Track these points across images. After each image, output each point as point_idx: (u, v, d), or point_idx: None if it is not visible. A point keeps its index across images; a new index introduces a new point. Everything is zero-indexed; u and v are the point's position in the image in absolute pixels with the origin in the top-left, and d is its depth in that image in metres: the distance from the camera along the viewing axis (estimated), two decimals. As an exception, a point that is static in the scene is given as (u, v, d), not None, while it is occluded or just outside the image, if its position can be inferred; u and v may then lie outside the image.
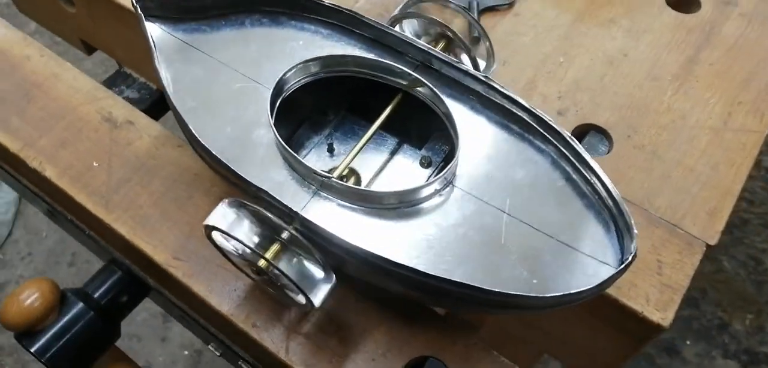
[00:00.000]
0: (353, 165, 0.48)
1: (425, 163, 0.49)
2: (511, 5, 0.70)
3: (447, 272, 0.38)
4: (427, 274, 0.37)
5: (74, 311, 0.52)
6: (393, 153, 0.50)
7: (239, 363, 0.48)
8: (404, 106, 0.49)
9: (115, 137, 0.54)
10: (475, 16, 0.69)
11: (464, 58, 0.53)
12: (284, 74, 0.46)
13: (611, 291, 0.47)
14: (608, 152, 0.58)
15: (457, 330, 0.45)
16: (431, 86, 0.47)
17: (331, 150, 0.50)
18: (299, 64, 0.46)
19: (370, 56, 0.48)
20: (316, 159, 0.49)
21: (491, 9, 0.70)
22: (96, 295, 0.54)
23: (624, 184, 0.55)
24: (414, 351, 0.43)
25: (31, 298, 0.51)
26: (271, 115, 0.44)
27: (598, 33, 0.68)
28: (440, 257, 0.40)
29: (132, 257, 0.49)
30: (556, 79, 0.63)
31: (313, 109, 0.52)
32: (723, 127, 0.59)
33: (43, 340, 0.51)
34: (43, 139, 0.53)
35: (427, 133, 0.51)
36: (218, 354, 0.51)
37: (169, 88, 0.47)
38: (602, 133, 0.59)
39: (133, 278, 0.54)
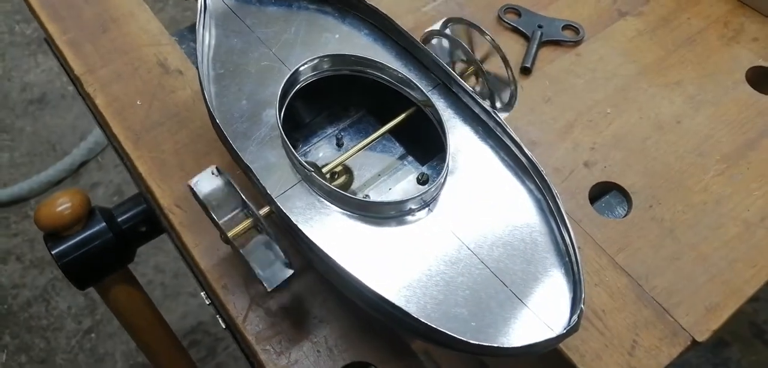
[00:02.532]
0: (353, 164, 0.50)
1: (422, 180, 0.50)
2: (576, 43, 0.69)
3: (389, 290, 0.40)
4: (364, 285, 0.39)
5: (96, 229, 0.58)
6: (397, 162, 0.52)
7: (217, 316, 0.52)
8: (420, 120, 0.50)
9: (163, 82, 0.59)
10: (536, 45, 0.68)
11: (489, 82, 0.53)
12: (300, 65, 0.49)
13: (572, 355, 0.47)
14: (624, 216, 0.56)
15: (406, 345, 0.46)
16: (437, 109, 0.48)
17: (339, 144, 0.52)
18: (315, 58, 0.49)
19: (389, 65, 0.50)
20: (323, 149, 0.52)
21: (555, 42, 0.69)
22: (120, 219, 0.60)
23: (628, 253, 0.53)
24: (358, 354, 0.45)
25: (62, 206, 0.57)
26: (281, 99, 0.47)
27: (658, 93, 0.65)
28: (390, 274, 0.41)
29: (149, 194, 0.54)
30: (595, 129, 0.62)
31: (337, 100, 0.54)
32: (758, 224, 0.56)
33: (63, 246, 0.57)
34: (103, 69, 0.59)
35: (434, 151, 0.52)
36: (207, 303, 0.55)
37: (206, 52, 0.51)
38: (624, 195, 0.58)
39: (153, 213, 0.59)
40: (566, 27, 0.71)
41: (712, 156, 0.61)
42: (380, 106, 0.54)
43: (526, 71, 0.66)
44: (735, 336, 1.32)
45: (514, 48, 0.68)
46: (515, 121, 0.62)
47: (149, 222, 0.60)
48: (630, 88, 0.66)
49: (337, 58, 0.50)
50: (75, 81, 0.60)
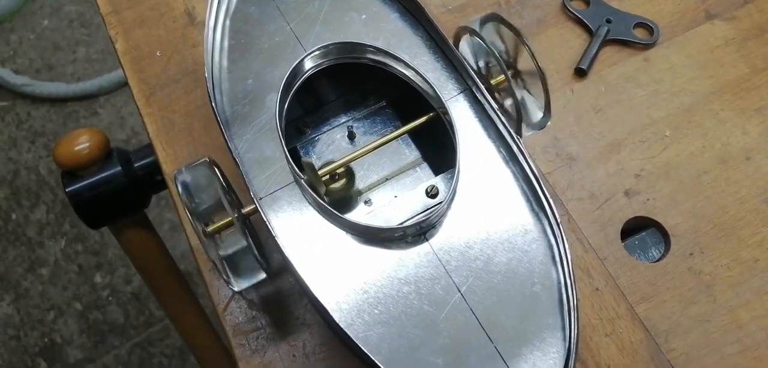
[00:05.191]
0: (359, 162, 0.47)
1: (431, 193, 0.46)
2: (647, 46, 0.62)
3: (362, 326, 0.37)
4: (331, 317, 0.36)
5: (112, 172, 0.58)
6: (409, 166, 0.48)
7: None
8: (442, 124, 0.46)
9: (186, 34, 0.56)
10: (598, 44, 0.61)
11: (526, 95, 0.48)
12: (313, 50, 0.45)
13: (563, 414, 0.43)
14: (657, 261, 0.51)
15: None
16: (452, 121, 0.43)
17: (351, 136, 0.49)
18: (330, 45, 0.45)
19: (410, 62, 0.46)
20: (333, 139, 0.49)
21: (622, 42, 0.62)
22: (137, 165, 0.59)
23: (651, 305, 0.48)
24: (333, 364, 0.43)
25: (81, 145, 0.57)
26: (286, 86, 0.44)
27: (731, 119, 0.58)
28: (367, 306, 0.38)
29: (154, 154, 0.52)
30: (647, 153, 0.55)
31: (356, 86, 0.50)
32: (816, 296, 0.49)
33: (78, 186, 0.57)
34: (128, 11, 0.57)
35: (452, 160, 0.47)
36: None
37: (221, 18, 0.48)
38: (663, 235, 0.52)
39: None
40: (639, 25, 0.63)
41: (778, 205, 0.53)
42: (402, 100, 0.50)
43: (580, 73, 0.60)
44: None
45: (573, 43, 0.62)
46: (556, 131, 0.56)
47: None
48: (698, 109, 0.58)
49: (354, 47, 0.46)
50: (103, 21, 0.59)
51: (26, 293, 1.28)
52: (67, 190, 0.57)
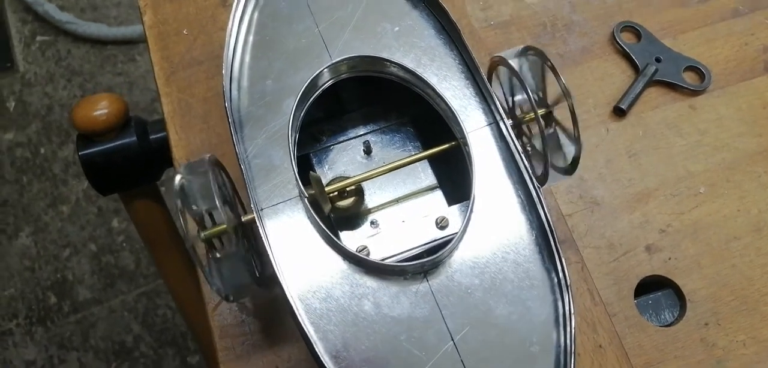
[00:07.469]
0: (371, 182, 0.45)
1: (441, 224, 0.44)
2: (695, 92, 0.58)
3: (345, 361, 0.36)
4: (314, 348, 0.35)
5: (127, 141, 0.57)
6: (422, 191, 0.46)
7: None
8: (462, 154, 0.44)
9: (215, 15, 0.55)
10: (643, 84, 0.58)
11: (559, 135, 0.45)
12: (338, 60, 0.43)
13: None
14: (670, 325, 0.48)
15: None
16: (473, 158, 0.41)
17: (367, 151, 0.47)
18: (356, 57, 0.43)
19: (436, 87, 0.43)
20: (348, 152, 0.47)
21: (669, 84, 0.59)
22: (153, 137, 0.58)
23: (658, 373, 0.46)
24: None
25: (99, 111, 0.56)
26: (303, 95, 0.42)
27: (774, 184, 0.54)
28: (354, 340, 0.37)
29: (167, 136, 0.51)
30: (676, 208, 0.53)
31: (380, 99, 0.49)
32: (834, 391, 0.47)
33: (91, 151, 0.56)
34: (160, -18, 0.56)
35: (468, 193, 0.45)
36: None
37: (249, 10, 0.46)
38: (680, 299, 0.49)
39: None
40: (690, 68, 0.59)
41: (809, 285, 0.50)
42: (425, 120, 0.48)
43: (619, 112, 0.57)
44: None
45: (617, 79, 0.59)
46: (583, 171, 0.54)
47: (180, 149, 0.58)
48: (739, 168, 0.55)
49: (381, 62, 0.44)
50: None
51: (45, 227, 1.30)
52: (79, 154, 0.56)
